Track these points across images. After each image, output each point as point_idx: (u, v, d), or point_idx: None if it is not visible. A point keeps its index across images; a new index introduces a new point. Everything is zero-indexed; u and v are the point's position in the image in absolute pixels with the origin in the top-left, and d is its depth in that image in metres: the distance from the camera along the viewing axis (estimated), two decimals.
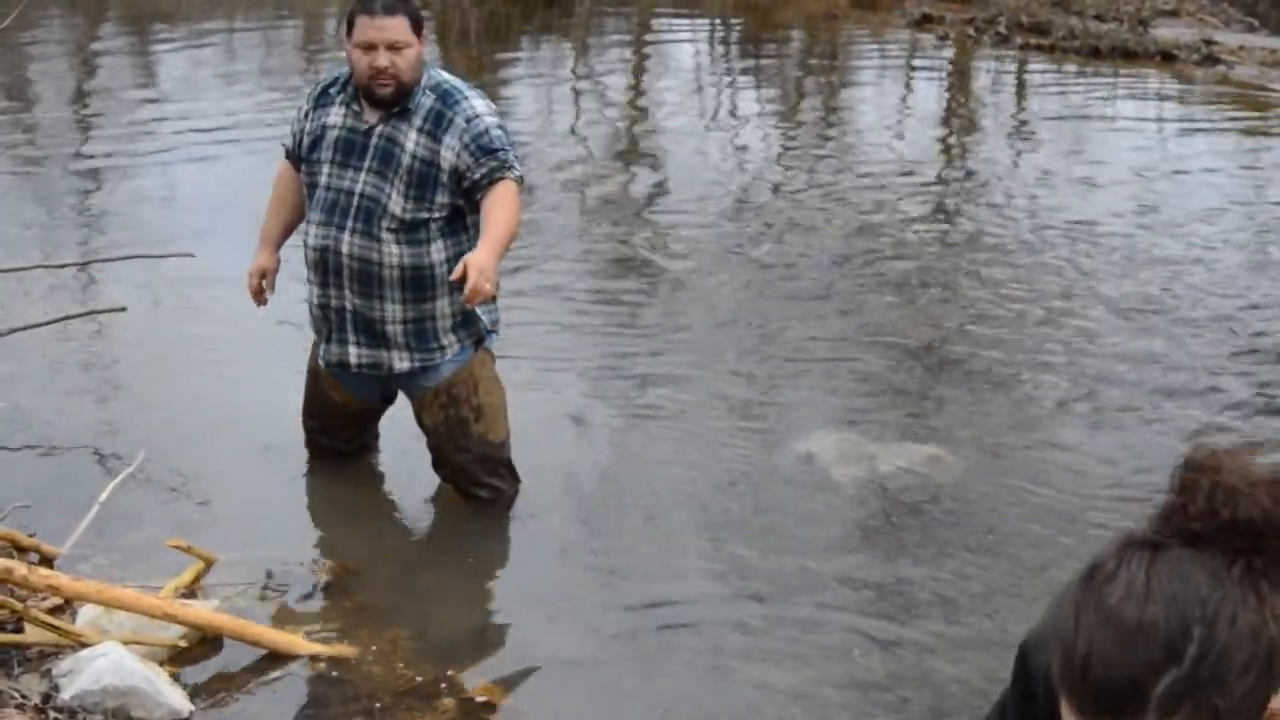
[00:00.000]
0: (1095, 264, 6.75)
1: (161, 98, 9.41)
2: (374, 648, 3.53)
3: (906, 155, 8.77)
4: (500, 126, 3.92)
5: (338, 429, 4.35)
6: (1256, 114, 10.15)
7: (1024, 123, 10.04)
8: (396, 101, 3.89)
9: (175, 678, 3.35)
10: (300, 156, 4.08)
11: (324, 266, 3.98)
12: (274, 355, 4.98)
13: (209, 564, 3.78)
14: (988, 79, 11.49)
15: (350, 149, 3.95)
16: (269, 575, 3.85)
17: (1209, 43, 11.80)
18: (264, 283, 4.19)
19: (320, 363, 4.18)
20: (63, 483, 4.27)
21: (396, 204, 3.89)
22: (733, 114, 9.97)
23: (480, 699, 3.38)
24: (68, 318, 5.09)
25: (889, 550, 4.18)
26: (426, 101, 3.90)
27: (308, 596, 3.81)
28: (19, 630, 3.44)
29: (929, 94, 10.93)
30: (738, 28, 13.13)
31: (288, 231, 4.25)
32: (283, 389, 4.50)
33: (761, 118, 9.88)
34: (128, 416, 4.82)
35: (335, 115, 3.99)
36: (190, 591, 3.70)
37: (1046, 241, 7.08)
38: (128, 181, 7.45)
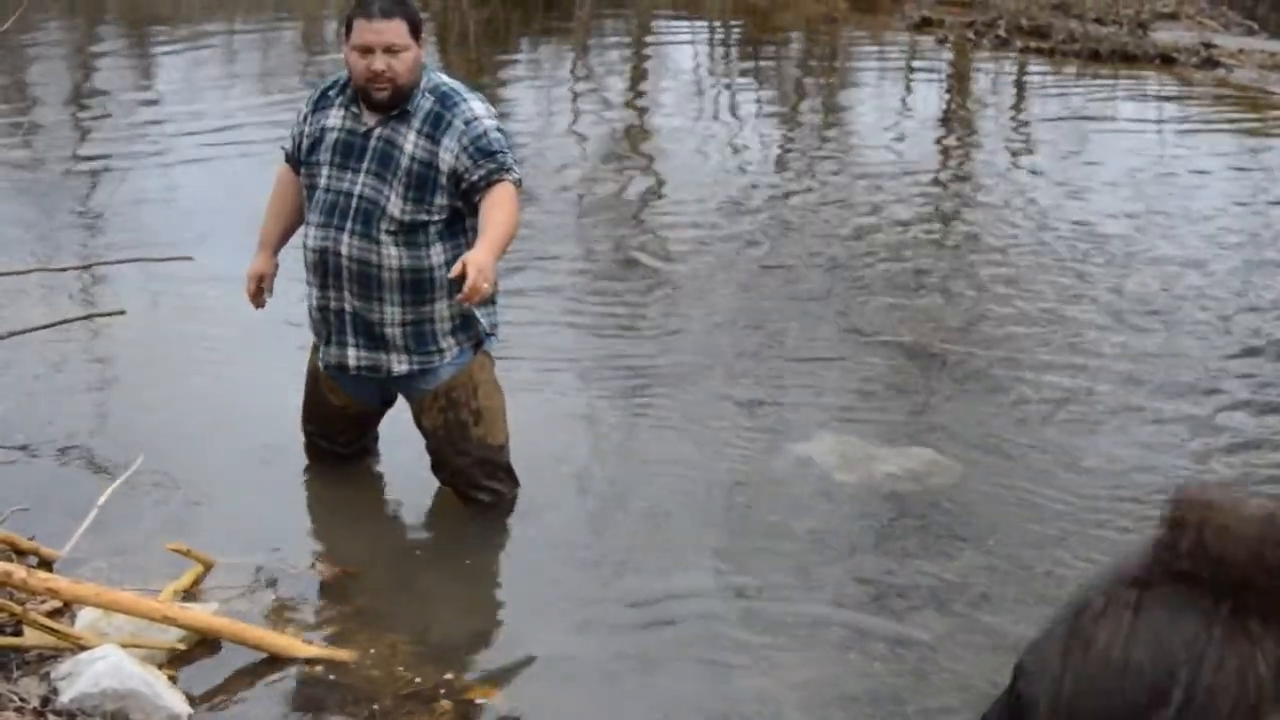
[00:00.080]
0: (1095, 265, 6.76)
1: (161, 100, 9.42)
2: (373, 651, 3.53)
3: (906, 157, 8.77)
4: (499, 129, 3.92)
5: (337, 432, 4.35)
6: (1256, 116, 10.15)
7: (1023, 125, 10.04)
8: (394, 104, 3.89)
9: (174, 680, 3.35)
10: (299, 159, 4.08)
11: (323, 268, 3.98)
12: (273, 357, 4.98)
13: (208, 567, 3.78)
14: (987, 82, 11.49)
15: (349, 151, 3.95)
16: (268, 578, 3.84)
17: (1208, 46, 11.80)
18: (262, 286, 4.19)
19: (320, 365, 4.18)
20: (62, 485, 4.27)
21: (395, 206, 3.89)
22: (732, 116, 9.97)
23: (479, 701, 3.38)
24: (66, 321, 5.09)
25: (888, 551, 4.18)
26: (425, 104, 3.90)
27: (307, 599, 3.80)
28: (18, 633, 3.44)
29: (928, 97, 10.93)
30: (737, 30, 13.14)
31: (286, 235, 4.25)
32: (282, 391, 4.50)
33: (761, 120, 9.88)
34: (127, 419, 4.81)
35: (334, 117, 3.99)
36: (189, 594, 3.69)
37: (1046, 243, 7.09)
38: (127, 183, 7.45)
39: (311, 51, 11.50)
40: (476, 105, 3.92)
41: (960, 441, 4.89)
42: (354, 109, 3.96)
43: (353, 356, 4.04)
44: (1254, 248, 7.18)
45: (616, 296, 6.21)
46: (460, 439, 4.12)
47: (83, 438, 4.61)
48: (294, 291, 4.59)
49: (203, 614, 3.52)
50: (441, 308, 3.98)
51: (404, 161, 3.88)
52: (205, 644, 3.50)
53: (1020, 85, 11.26)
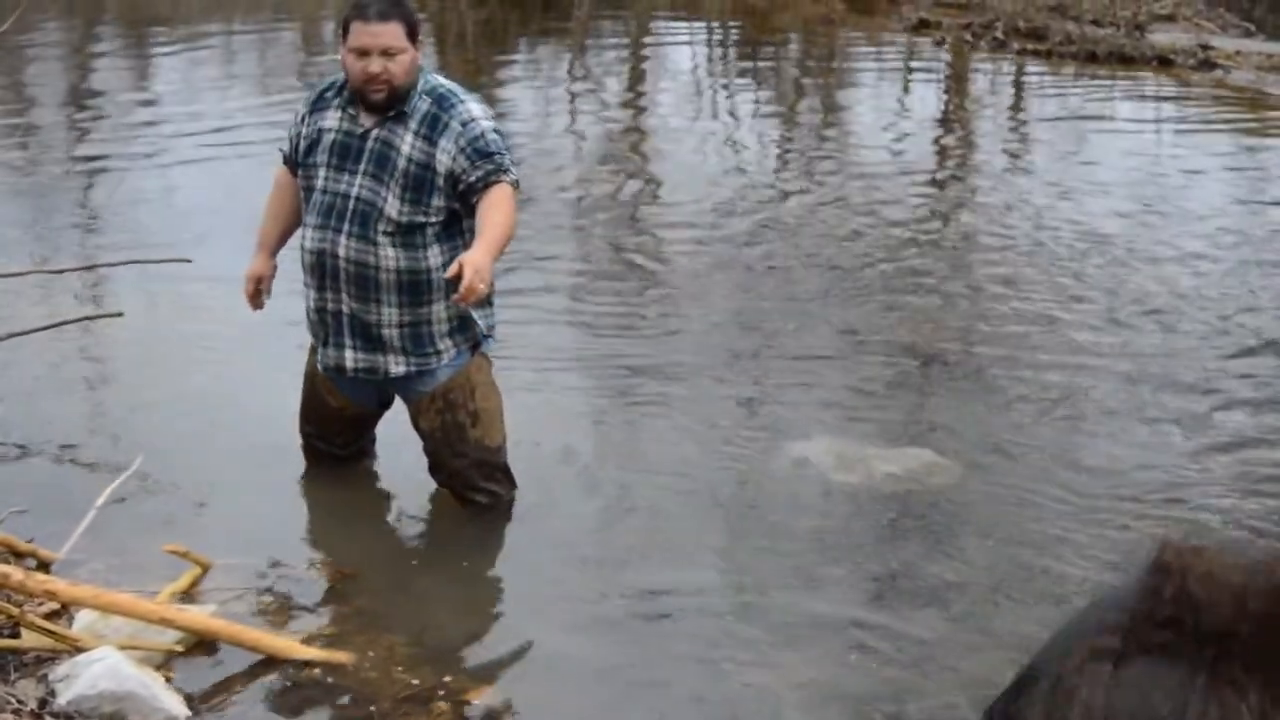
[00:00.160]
0: (1093, 265, 6.76)
1: (159, 100, 9.42)
2: (371, 653, 3.53)
3: (904, 158, 8.78)
4: (496, 130, 3.92)
5: (334, 434, 4.35)
6: (1253, 117, 10.16)
7: (1021, 126, 10.05)
8: (390, 106, 3.89)
9: (171, 682, 3.34)
10: (297, 161, 4.08)
11: (320, 270, 3.98)
12: (271, 358, 4.97)
13: (206, 569, 3.78)
14: (985, 83, 11.50)
15: (346, 153, 3.95)
16: (266, 580, 3.84)
17: (1205, 48, 11.81)
18: (260, 287, 4.19)
19: (317, 367, 4.18)
20: (59, 487, 4.27)
21: (392, 207, 3.89)
22: (730, 117, 9.98)
23: (477, 703, 3.37)
24: (64, 323, 5.08)
25: (887, 550, 4.18)
26: (422, 105, 3.90)
27: (304, 601, 3.80)
28: (15, 635, 3.43)
29: (926, 98, 10.94)
30: (735, 32, 13.14)
31: (284, 237, 4.25)
32: (280, 392, 4.50)
33: (759, 121, 9.89)
34: (124, 420, 4.81)
35: (331, 119, 3.99)
36: (187, 596, 3.69)
37: (1044, 243, 7.09)
38: (125, 184, 7.45)
39: (310, 52, 11.50)
40: (473, 107, 3.92)
41: (959, 441, 4.89)
42: (351, 110, 3.96)
43: (350, 358, 4.04)
44: (1252, 247, 7.19)
45: (614, 297, 6.21)
46: (458, 440, 4.12)
47: (81, 439, 4.61)
48: (292, 291, 4.58)
49: (200, 616, 3.52)
50: (439, 309, 3.98)
51: (401, 163, 3.89)
52: (203, 646, 3.50)
53: (1018, 86, 11.26)
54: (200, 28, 11.79)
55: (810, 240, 7.04)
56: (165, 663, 3.43)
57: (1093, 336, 5.90)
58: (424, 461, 4.23)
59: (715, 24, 13.37)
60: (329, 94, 4.04)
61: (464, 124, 3.87)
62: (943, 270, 6.70)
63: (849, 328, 5.93)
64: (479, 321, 4.06)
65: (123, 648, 3.33)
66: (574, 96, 10.38)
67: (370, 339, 4.01)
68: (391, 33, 3.83)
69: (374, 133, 3.92)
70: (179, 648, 3.46)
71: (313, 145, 4.00)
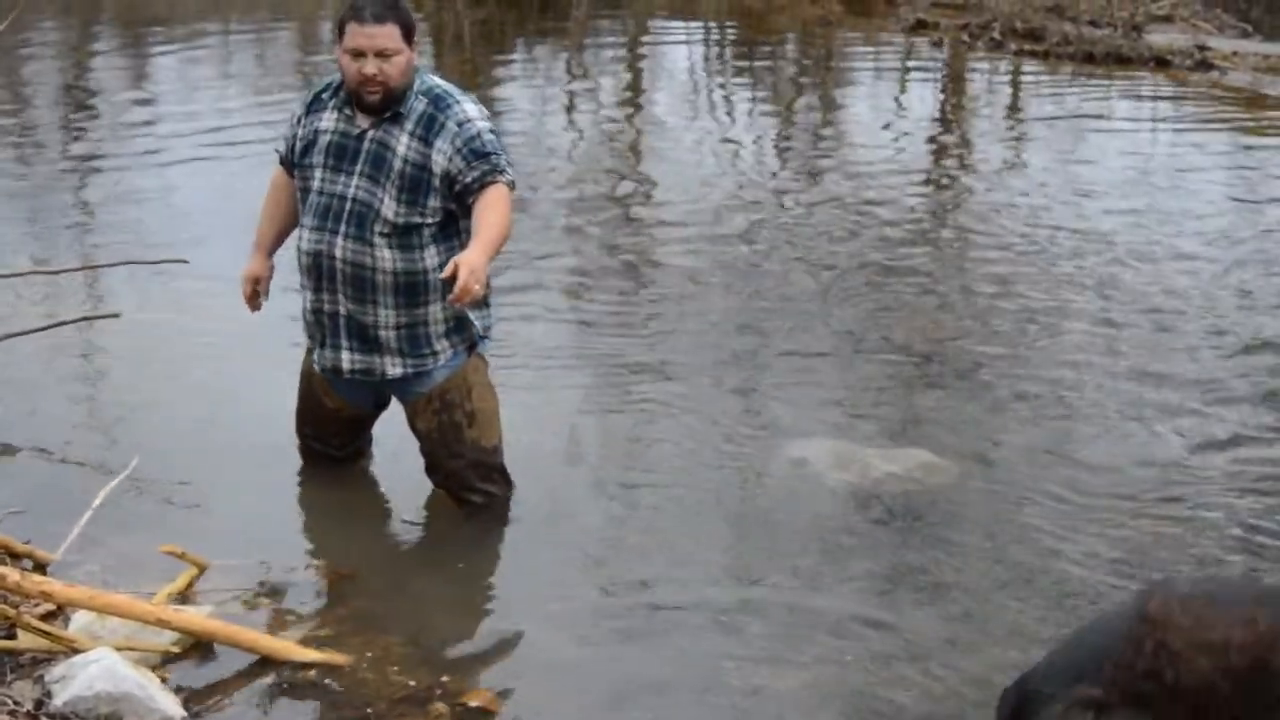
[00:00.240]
0: (1090, 264, 6.77)
1: (156, 100, 9.42)
2: (368, 654, 3.53)
3: (901, 158, 8.79)
4: (492, 130, 3.92)
5: (331, 434, 4.35)
6: (1250, 117, 10.17)
7: (1018, 126, 10.06)
8: (385, 107, 3.89)
9: (168, 683, 3.34)
10: (293, 162, 4.08)
11: (317, 271, 3.98)
12: (268, 358, 4.98)
13: (202, 569, 3.78)
14: (982, 84, 11.51)
15: (342, 154, 3.95)
16: (262, 581, 3.84)
17: (1202, 48, 11.82)
18: (258, 288, 4.19)
19: (314, 368, 4.19)
20: (56, 488, 4.27)
21: (389, 208, 3.89)
22: (727, 117, 9.98)
23: (474, 704, 3.38)
24: (61, 323, 5.08)
25: (884, 551, 4.18)
26: (419, 106, 3.90)
27: (301, 602, 3.80)
28: (11, 636, 3.43)
29: (923, 98, 10.95)
30: (732, 33, 13.15)
31: (281, 237, 4.25)
32: (277, 392, 4.50)
33: (756, 121, 9.89)
34: (121, 421, 4.81)
35: (328, 120, 3.99)
36: (184, 597, 3.69)
37: (1041, 242, 7.10)
38: (123, 184, 7.45)
39: (307, 52, 11.50)
40: (469, 107, 3.92)
41: (956, 440, 4.90)
42: (347, 111, 3.96)
43: (347, 360, 4.04)
44: (1248, 246, 7.20)
45: (611, 296, 6.22)
46: (454, 441, 4.12)
47: (77, 440, 4.61)
48: (289, 289, 4.59)
49: (197, 617, 3.52)
50: (435, 310, 3.98)
51: (397, 164, 3.88)
52: (199, 647, 3.49)
53: (1015, 87, 11.27)
54: (197, 27, 11.79)
55: (807, 240, 7.04)
56: (162, 664, 3.42)
57: (1089, 335, 5.91)
58: (420, 462, 4.23)
59: (713, 25, 13.37)
60: (325, 95, 4.03)
61: (460, 124, 3.87)
62: (940, 269, 6.70)
63: (846, 327, 5.94)
64: (475, 322, 4.06)
65: (119, 649, 3.33)
66: (571, 97, 10.38)
67: (367, 340, 4.01)
68: (387, 34, 3.83)
69: (370, 134, 3.92)
70: (175, 648, 3.46)
71: (309, 146, 4.00)
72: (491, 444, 4.18)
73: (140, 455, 4.28)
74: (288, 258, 4.23)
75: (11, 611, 3.38)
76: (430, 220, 3.91)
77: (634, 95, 10.52)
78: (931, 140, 9.51)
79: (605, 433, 4.94)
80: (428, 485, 4.29)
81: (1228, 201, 8.01)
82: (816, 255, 6.82)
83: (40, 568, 3.72)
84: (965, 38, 12.29)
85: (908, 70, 11.73)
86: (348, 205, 3.92)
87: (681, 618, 3.80)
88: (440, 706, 3.34)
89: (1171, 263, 6.85)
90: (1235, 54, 11.90)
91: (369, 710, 3.31)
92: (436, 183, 3.88)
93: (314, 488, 4.40)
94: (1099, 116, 10.11)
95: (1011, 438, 4.98)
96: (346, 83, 3.91)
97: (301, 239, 4.03)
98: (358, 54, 3.84)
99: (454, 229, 3.95)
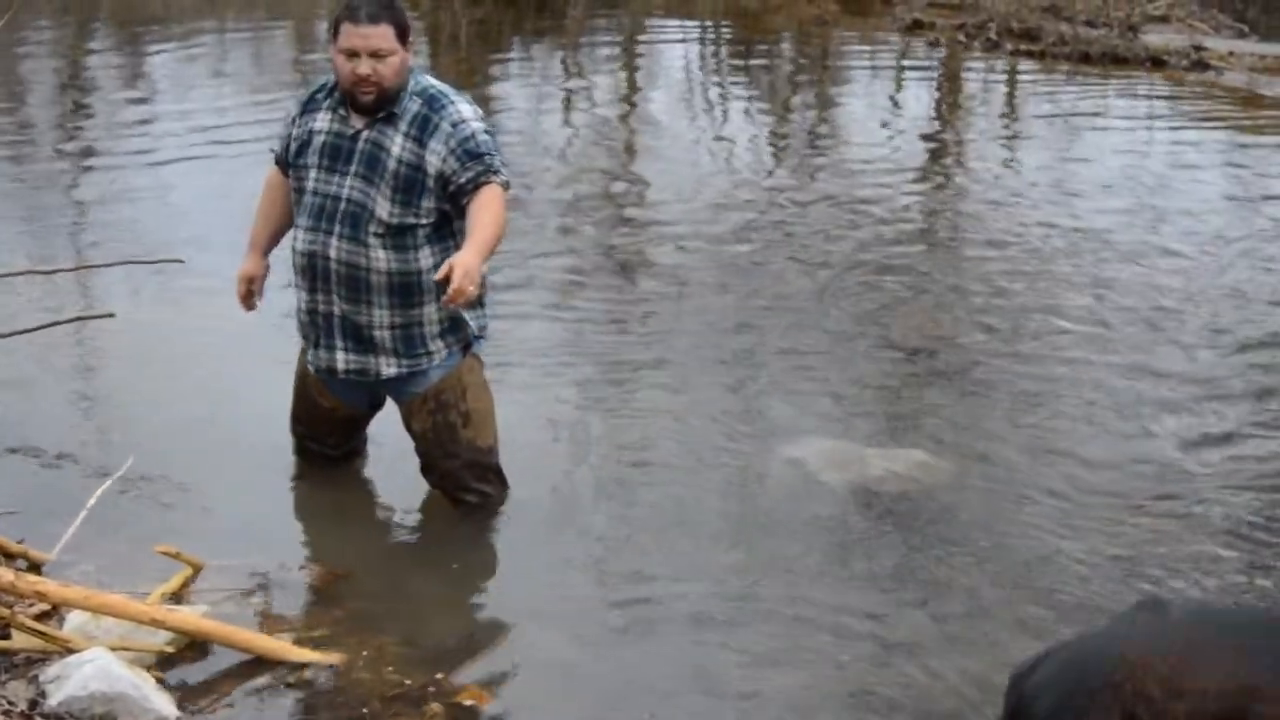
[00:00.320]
0: (1086, 263, 6.77)
1: (153, 99, 9.42)
2: (363, 653, 3.53)
3: (897, 159, 8.79)
4: (487, 131, 3.92)
5: (325, 434, 4.35)
6: (1246, 117, 10.18)
7: (1014, 125, 10.06)
8: (379, 108, 3.89)
9: (162, 683, 3.34)
10: (289, 162, 4.08)
11: (311, 272, 3.98)
12: (263, 358, 4.97)
13: (197, 569, 3.78)
14: (978, 83, 11.51)
15: (337, 154, 3.95)
16: (257, 581, 3.84)
17: (1198, 48, 11.82)
18: (252, 288, 4.19)
19: (309, 368, 4.18)
20: (51, 488, 4.26)
21: (383, 209, 3.89)
22: (723, 116, 9.99)
23: (468, 703, 3.38)
24: (56, 323, 5.07)
25: (879, 552, 4.18)
26: (413, 106, 3.90)
27: (296, 602, 3.80)
28: (6, 636, 3.43)
29: (920, 99, 10.95)
30: (729, 33, 13.15)
31: (276, 237, 4.25)
32: (272, 393, 4.49)
33: (752, 120, 9.90)
34: (116, 421, 4.81)
35: (322, 120, 3.99)
36: (178, 597, 3.69)
37: (1037, 243, 7.10)
38: (118, 184, 7.45)
39: (303, 51, 11.49)
40: (464, 108, 3.92)
41: (951, 441, 4.90)
42: (341, 112, 3.96)
43: (341, 360, 4.04)
44: (1245, 244, 7.20)
45: (607, 296, 6.22)
46: (449, 441, 4.12)
47: (72, 440, 4.61)
48: (284, 292, 4.59)
49: (191, 616, 3.52)
50: (430, 310, 3.98)
51: (391, 164, 3.88)
52: (194, 647, 3.49)
53: (1011, 86, 11.28)
54: (193, 26, 11.78)
55: (803, 238, 7.04)
56: (156, 664, 3.42)
57: (1086, 334, 5.91)
58: (415, 462, 4.23)
59: (709, 24, 13.37)
60: (320, 95, 4.03)
61: (454, 125, 3.87)
62: (936, 268, 6.71)
63: (843, 326, 5.94)
64: (470, 322, 4.06)
65: (114, 649, 3.33)
66: (567, 96, 10.38)
67: (361, 340, 4.01)
68: (381, 35, 3.83)
69: (364, 134, 3.92)
70: (170, 648, 3.46)
71: (304, 146, 4.00)
72: (487, 444, 4.18)
73: (135, 455, 4.28)
74: (284, 257, 4.23)
75: (6, 611, 3.38)
76: (424, 221, 3.91)
77: (630, 94, 10.52)
78: (927, 139, 9.52)
79: (601, 432, 4.94)
80: (423, 485, 4.29)
81: (1223, 200, 8.02)
82: (812, 254, 6.82)
83: (35, 568, 3.72)
84: (961, 37, 12.29)
85: (903, 70, 11.73)
86: (342, 206, 3.92)
87: (677, 617, 3.80)
88: (435, 706, 3.34)
89: (1167, 261, 6.86)
90: (1231, 54, 11.91)
91: (364, 710, 3.31)
92: (430, 183, 3.88)
93: (309, 487, 4.40)
94: (1095, 115, 10.12)
95: (1008, 436, 4.98)
96: (341, 83, 3.91)
97: (296, 239, 4.03)
98: (352, 54, 3.84)
99: (448, 229, 3.95)
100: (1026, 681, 1.08)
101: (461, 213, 3.87)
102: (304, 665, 3.45)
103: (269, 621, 3.68)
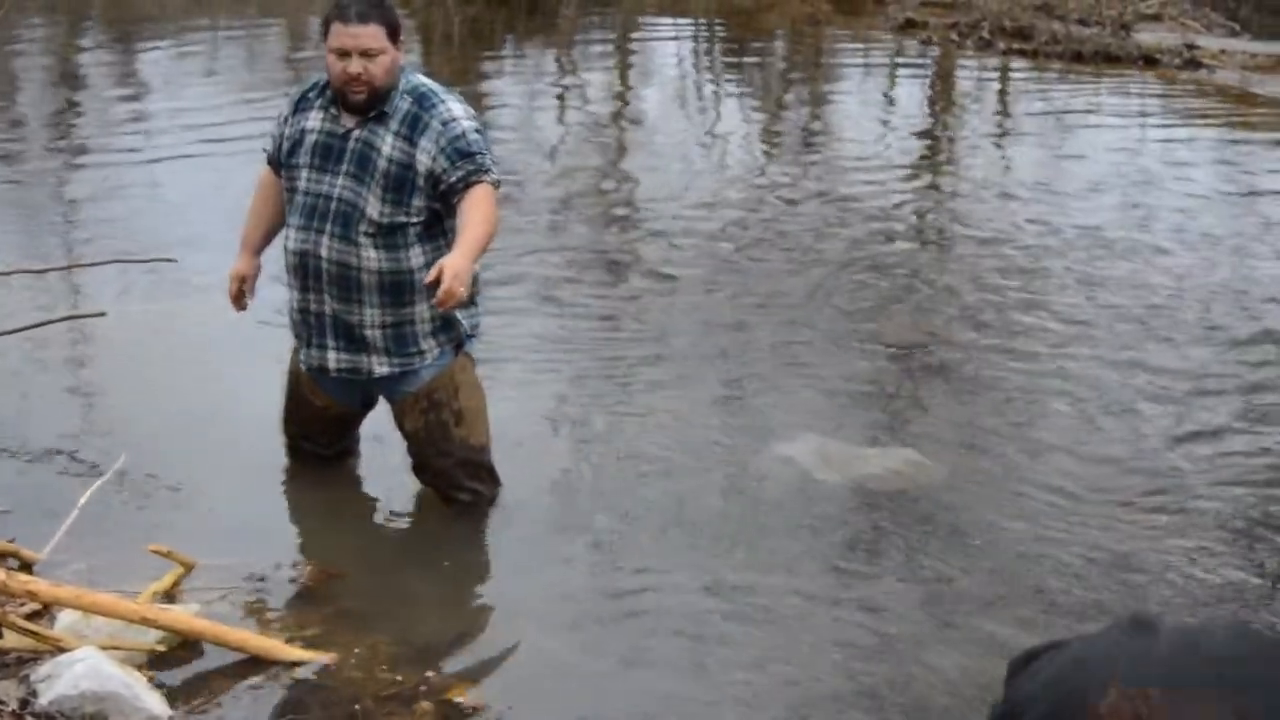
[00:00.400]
0: (1077, 261, 6.78)
1: (144, 98, 9.40)
2: (355, 651, 3.53)
3: (889, 157, 8.80)
4: (477, 130, 3.92)
5: (318, 433, 4.35)
6: (1238, 115, 10.20)
7: (1006, 123, 10.07)
8: (370, 107, 3.89)
9: (153, 682, 3.34)
10: (280, 161, 4.08)
11: (303, 271, 3.98)
12: (256, 357, 4.97)
13: (189, 568, 3.77)
14: (971, 83, 11.52)
15: (328, 153, 3.94)
16: (249, 580, 3.84)
17: (1191, 47, 11.84)
18: (244, 287, 4.18)
19: (301, 367, 4.18)
20: (42, 487, 4.25)
21: (374, 208, 3.89)
22: (716, 115, 9.99)
23: (460, 701, 3.38)
24: (46, 322, 5.06)
25: (871, 550, 4.19)
26: (404, 105, 3.90)
27: (288, 601, 3.80)
28: None
29: (913, 98, 10.96)
30: (722, 32, 13.15)
31: (268, 237, 4.25)
32: (264, 392, 4.49)
33: (745, 119, 9.90)
34: (108, 420, 4.80)
35: (314, 120, 3.98)
36: (170, 596, 3.69)
37: (1029, 240, 7.11)
38: (110, 181, 7.43)
39: (296, 48, 11.48)
40: (454, 106, 3.92)
41: (943, 440, 4.90)
42: (333, 111, 3.96)
43: (333, 359, 4.04)
44: (1235, 241, 7.22)
45: (599, 294, 6.21)
46: (442, 440, 4.12)
47: (63, 439, 4.60)
48: (277, 291, 4.58)
49: (183, 615, 3.52)
50: (422, 309, 3.98)
51: (381, 163, 3.88)
52: (186, 646, 3.49)
53: (1003, 84, 11.29)
54: (185, 26, 11.76)
55: (795, 238, 7.05)
56: (148, 663, 3.42)
57: (1078, 331, 5.92)
58: (408, 461, 4.23)
59: (701, 22, 13.38)
60: (311, 94, 4.03)
61: (444, 124, 3.87)
62: (928, 266, 6.71)
63: (834, 323, 5.95)
64: (462, 321, 4.06)
65: (104, 648, 3.33)
66: (561, 94, 10.38)
67: (353, 339, 4.00)
68: (371, 34, 3.82)
69: (355, 133, 3.92)
70: (161, 647, 3.46)
71: (295, 146, 4.00)
72: (479, 442, 4.18)
73: (127, 453, 4.28)
74: (276, 258, 4.23)
75: None
76: (415, 220, 3.91)
77: (623, 92, 10.52)
78: (920, 137, 9.53)
79: (593, 429, 4.94)
80: (415, 484, 4.29)
81: (1215, 197, 8.03)
82: (805, 252, 6.82)
83: (26, 567, 3.72)
84: (954, 36, 12.30)
85: (896, 68, 11.74)
86: (333, 205, 3.92)
87: (667, 616, 3.81)
88: (426, 704, 3.34)
89: (1158, 258, 6.87)
90: (1223, 52, 11.93)
91: (356, 707, 3.31)
92: (421, 182, 3.88)
93: (301, 487, 4.39)
94: (1087, 113, 10.13)
95: (1000, 433, 4.98)
96: (331, 82, 3.91)
97: (288, 238, 4.02)
98: (342, 53, 3.83)
99: (439, 228, 3.95)
100: (1018, 692, 1.07)
101: (452, 211, 3.87)
102: (296, 664, 3.45)
103: (261, 620, 3.67)
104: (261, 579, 3.85)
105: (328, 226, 3.92)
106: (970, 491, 4.57)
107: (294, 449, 4.41)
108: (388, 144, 3.88)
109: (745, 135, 9.39)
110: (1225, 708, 0.88)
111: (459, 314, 4.02)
